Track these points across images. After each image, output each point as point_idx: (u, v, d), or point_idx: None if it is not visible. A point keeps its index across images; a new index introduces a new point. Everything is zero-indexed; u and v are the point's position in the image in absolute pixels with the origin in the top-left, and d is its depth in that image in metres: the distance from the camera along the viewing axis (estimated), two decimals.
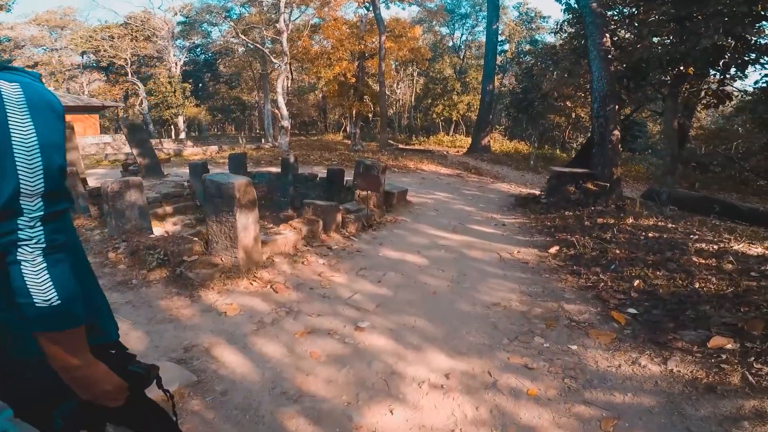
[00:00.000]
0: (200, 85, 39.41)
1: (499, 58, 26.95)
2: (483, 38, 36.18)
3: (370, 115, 32.16)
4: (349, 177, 8.79)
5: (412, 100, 36.58)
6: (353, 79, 20.74)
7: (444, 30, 38.66)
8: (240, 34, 24.70)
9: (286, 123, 18.97)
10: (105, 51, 30.13)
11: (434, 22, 36.56)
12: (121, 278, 4.33)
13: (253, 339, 3.33)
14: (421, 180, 12.00)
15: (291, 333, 3.43)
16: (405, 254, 5.38)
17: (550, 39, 31.37)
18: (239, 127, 43.09)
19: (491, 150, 21.96)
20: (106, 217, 5.65)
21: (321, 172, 10.01)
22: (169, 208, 9.05)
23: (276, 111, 19.91)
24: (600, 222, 6.45)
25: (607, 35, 8.97)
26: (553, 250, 5.59)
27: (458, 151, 23.89)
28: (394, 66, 28.46)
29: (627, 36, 12.49)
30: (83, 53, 31.84)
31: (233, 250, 4.25)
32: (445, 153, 20.69)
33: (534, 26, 35.02)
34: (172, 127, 34.38)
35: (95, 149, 21.90)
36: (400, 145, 25.34)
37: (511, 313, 3.88)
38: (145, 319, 3.58)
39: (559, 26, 15.59)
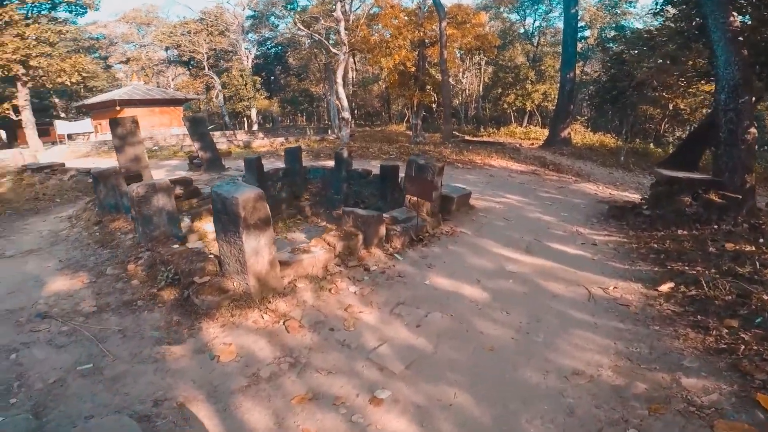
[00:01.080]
0: (272, 78, 40.64)
1: (579, 45, 24.71)
2: (559, 24, 34.02)
3: (434, 106, 30.83)
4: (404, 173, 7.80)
5: (480, 89, 34.52)
6: (413, 69, 19.57)
7: (514, 16, 36.24)
8: (298, 24, 24.61)
9: (346, 114, 18.38)
10: (185, 46, 31.96)
11: (501, 8, 34.40)
12: (129, 297, 3.82)
13: (240, 399, 2.56)
14: (488, 178, 10.59)
15: (288, 397, 2.60)
16: (459, 284, 4.29)
17: (638, 24, 28.80)
18: (309, 119, 44.04)
19: (572, 143, 19.74)
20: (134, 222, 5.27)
21: (377, 167, 9.11)
22: None
23: (337, 102, 19.43)
24: (731, 248, 4.78)
25: (734, 14, 7.07)
26: (666, 287, 4.12)
27: (533, 144, 21.83)
28: (458, 55, 26.81)
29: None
30: (167, 49, 34.12)
31: (243, 276, 3.50)
32: (517, 146, 18.81)
33: (619, 11, 31.42)
34: (245, 119, 35.81)
35: (175, 140, 23.23)
36: (467, 137, 23.72)
37: (599, 388, 2.70)
38: (129, 355, 2.99)
39: (659, 7, 13.47)
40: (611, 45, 26.41)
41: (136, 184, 4.85)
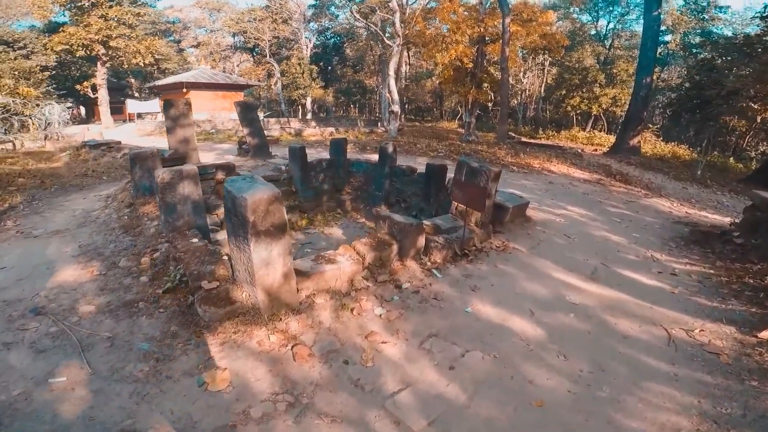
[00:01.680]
0: (329, 68, 40.81)
1: (658, 50, 23.02)
2: (636, 27, 32.36)
3: (490, 104, 29.51)
4: (452, 174, 7.07)
5: (542, 90, 32.93)
6: (470, 65, 18.51)
7: (585, 17, 34.08)
8: (354, 12, 24.22)
9: (396, 108, 17.75)
10: (250, 33, 32.75)
11: (572, 9, 32.55)
12: (132, 297, 3.46)
13: None
14: (547, 185, 9.55)
15: None
16: (507, 314, 3.56)
17: (727, 31, 26.87)
18: (361, 110, 43.98)
19: (641, 152, 18.10)
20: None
21: (423, 165, 8.42)
22: None
23: (388, 95, 18.85)
24: None
25: None
26: (767, 334, 3.23)
27: (596, 150, 20.19)
28: (521, 54, 25.37)
29: None
30: (234, 35, 35.20)
31: (252, 288, 3.01)
32: (579, 151, 17.33)
33: (707, 16, 28.50)
34: (300, 107, 36.25)
35: (232, 125, 23.79)
36: (523, 138, 22.34)
37: None
38: (109, 370, 2.59)
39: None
40: (696, 51, 24.28)
41: (161, 169, 4.53)
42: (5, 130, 14.90)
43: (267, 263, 2.89)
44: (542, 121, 32.38)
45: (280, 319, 3.06)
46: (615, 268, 4.76)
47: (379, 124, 26.76)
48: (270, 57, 33.04)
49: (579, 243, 5.48)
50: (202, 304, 3.07)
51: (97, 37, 23.04)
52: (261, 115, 29.43)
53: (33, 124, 16.28)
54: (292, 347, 2.83)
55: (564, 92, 28.54)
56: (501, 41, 16.95)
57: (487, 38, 18.87)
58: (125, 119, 29.98)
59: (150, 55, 26.01)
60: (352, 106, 43.12)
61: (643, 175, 13.17)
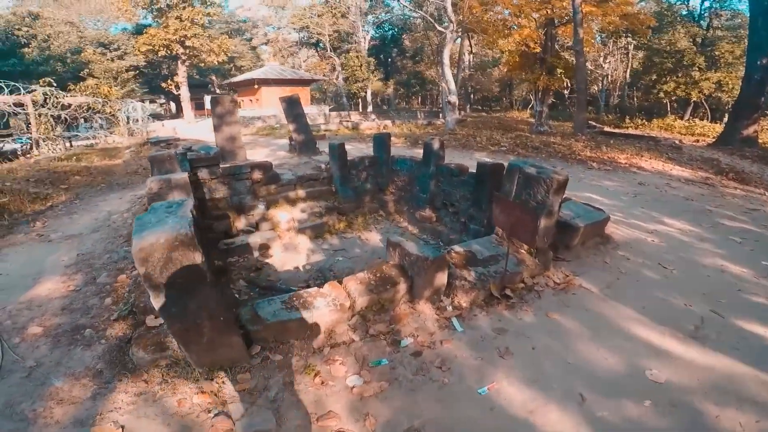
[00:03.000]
0: (389, 60, 40.03)
1: None
2: (738, 5, 29.18)
3: (566, 92, 26.83)
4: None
5: (627, 75, 30.40)
6: (538, 49, 16.54)
7: None
8: (402, 2, 22.93)
9: (452, 98, 16.27)
10: (312, 28, 33.05)
11: None
12: (86, 320, 2.96)
13: None
14: (636, 188, 7.76)
15: None
16: (542, 399, 2.37)
17: None
18: (423, 102, 42.63)
19: (758, 143, 15.28)
20: None
21: (481, 161, 7.15)
22: (302, 192, 8.09)
23: (443, 84, 17.43)
24: None
25: None
26: None
27: (698, 141, 17.11)
28: (599, 38, 22.54)
29: None
30: (299, 30, 35.81)
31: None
32: (677, 143, 14.63)
33: None
34: (360, 100, 35.97)
35: None
36: (606, 128, 19.66)
37: None
38: (4, 404, 2.21)
39: None
40: None
41: (151, 178, 3.99)
42: (86, 127, 16.24)
43: (184, 319, 2.09)
44: (629, 108, 29.18)
45: (215, 378, 2.32)
46: (733, 318, 3.26)
47: (440, 115, 25.47)
48: (331, 51, 33.04)
49: (679, 277, 3.96)
50: (135, 345, 2.47)
51: (174, 37, 24.54)
52: (326, 108, 29.56)
53: (117, 121, 17.55)
54: (214, 416, 2.01)
55: (655, 77, 25.95)
56: (573, 22, 15.15)
57: (556, 20, 16.94)
58: (206, 115, 31.88)
59: (223, 53, 27.23)
60: (413, 97, 41.95)
61: (764, 172, 10.54)
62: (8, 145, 12.70)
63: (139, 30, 28.68)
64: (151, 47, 24.97)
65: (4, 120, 13.25)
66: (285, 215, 7.49)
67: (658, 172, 9.26)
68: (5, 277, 3.80)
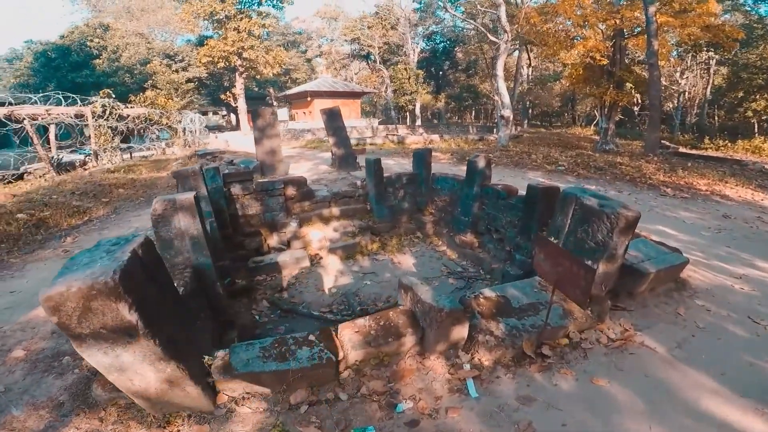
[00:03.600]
0: (440, 73, 39.41)
1: None
2: None
3: (636, 108, 24.82)
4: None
5: (707, 92, 27.68)
6: (604, 61, 15.27)
7: (762, 9, 26.77)
8: (450, 11, 22.25)
9: (506, 112, 15.36)
10: (363, 40, 33.33)
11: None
12: (67, 347, 2.79)
13: None
14: (720, 221, 6.56)
15: None
16: None
17: None
18: (477, 116, 41.48)
19: None
20: None
21: (534, 182, 6.34)
22: (336, 210, 7.79)
23: (496, 98, 16.56)
24: None
25: None
26: None
27: None
28: (676, 53, 20.59)
29: None
30: (351, 42, 36.35)
31: None
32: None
33: None
34: (408, 113, 35.65)
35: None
36: (682, 149, 17.70)
37: None
38: None
39: None
40: None
41: (156, 198, 3.80)
42: (142, 138, 17.04)
43: (119, 369, 1.77)
44: (708, 128, 26.52)
45: (171, 424, 2.03)
46: None
47: (494, 131, 24.50)
48: (381, 63, 33.09)
49: None
50: (95, 381, 2.29)
51: (232, 49, 25.48)
52: (375, 122, 29.54)
53: (174, 133, 18.40)
54: None
55: (741, 94, 24.01)
56: (646, 33, 13.92)
57: (625, 31, 15.62)
58: None
59: (278, 65, 27.91)
60: (465, 111, 40.95)
61: None
62: (66, 157, 12.94)
63: (201, 42, 29.76)
64: (211, 59, 25.94)
65: (62, 132, 13.34)
66: (317, 233, 7.16)
67: (747, 203, 7.87)
68: (16, 295, 3.78)
